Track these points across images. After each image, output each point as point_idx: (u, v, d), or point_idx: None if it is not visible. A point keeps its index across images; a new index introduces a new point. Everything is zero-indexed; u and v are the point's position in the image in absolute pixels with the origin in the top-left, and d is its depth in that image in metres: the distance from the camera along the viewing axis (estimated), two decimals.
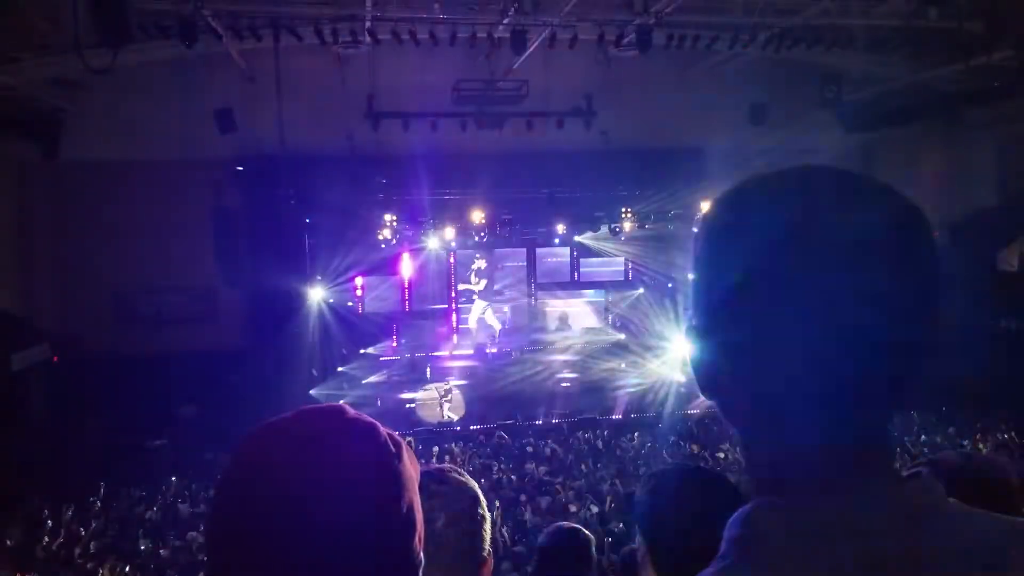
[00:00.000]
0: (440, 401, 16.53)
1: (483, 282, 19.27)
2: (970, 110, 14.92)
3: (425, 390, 16.98)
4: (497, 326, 19.15)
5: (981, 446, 12.43)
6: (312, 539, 0.87)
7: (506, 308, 19.52)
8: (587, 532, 2.92)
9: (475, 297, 19.25)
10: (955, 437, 13.30)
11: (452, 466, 1.85)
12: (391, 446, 0.96)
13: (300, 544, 0.86)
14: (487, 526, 1.73)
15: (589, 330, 19.73)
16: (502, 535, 8.94)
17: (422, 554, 0.97)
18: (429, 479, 1.68)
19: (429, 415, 16.47)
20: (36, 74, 12.30)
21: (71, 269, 15.47)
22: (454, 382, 17.12)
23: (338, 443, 0.93)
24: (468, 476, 1.77)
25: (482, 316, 19.15)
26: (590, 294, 20.13)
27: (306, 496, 0.88)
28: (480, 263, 19.23)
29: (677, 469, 1.93)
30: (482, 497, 1.74)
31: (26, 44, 11.33)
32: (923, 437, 13.41)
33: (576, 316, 19.92)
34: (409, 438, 14.12)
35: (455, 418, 16.39)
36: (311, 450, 0.91)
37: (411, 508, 0.96)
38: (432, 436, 14.90)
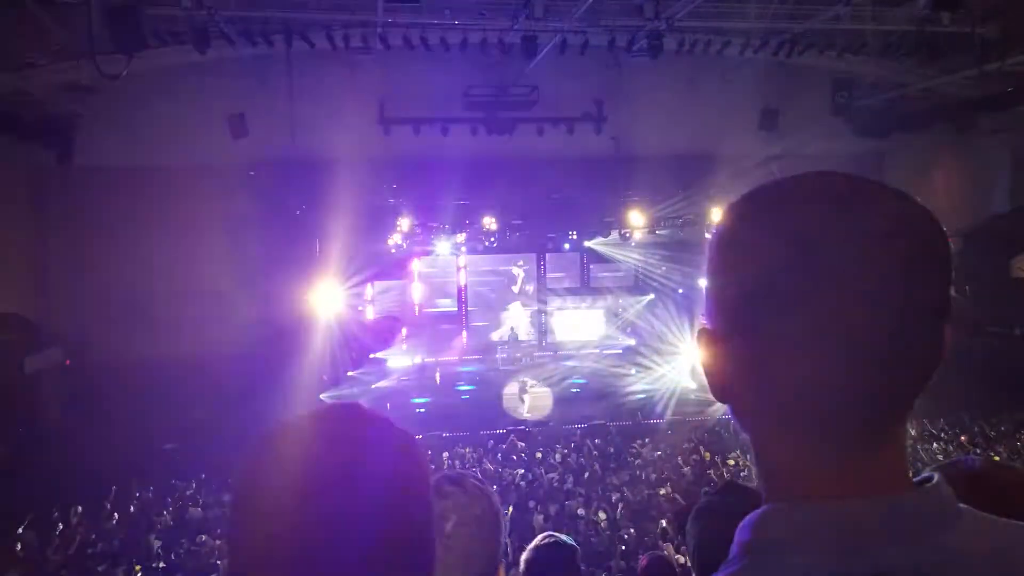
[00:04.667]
0: (519, 396, 16.65)
1: (521, 283, 19.34)
2: (984, 116, 14.83)
3: (509, 387, 17.17)
4: (526, 336, 19.21)
5: (994, 453, 12.32)
6: (334, 531, 0.87)
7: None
8: (571, 542, 2.88)
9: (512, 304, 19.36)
10: (970, 444, 13.20)
11: (473, 473, 1.84)
12: (406, 440, 0.98)
13: (322, 537, 0.87)
14: (503, 536, 1.70)
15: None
16: (509, 540, 8.92)
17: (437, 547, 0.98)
18: (446, 480, 1.67)
19: (513, 411, 16.63)
20: (50, 80, 12.42)
21: (84, 273, 15.57)
22: (532, 381, 17.21)
23: (357, 437, 0.95)
24: (488, 485, 1.75)
25: (514, 323, 19.25)
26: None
27: (328, 490, 0.89)
28: (519, 270, 19.25)
29: (725, 500, 1.86)
30: (499, 507, 1.71)
31: (41, 50, 11.44)
32: (937, 444, 13.31)
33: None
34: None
35: (535, 417, 16.50)
36: (330, 446, 0.93)
37: (429, 500, 0.97)
38: (442, 441, 14.88)
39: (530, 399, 16.65)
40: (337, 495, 0.88)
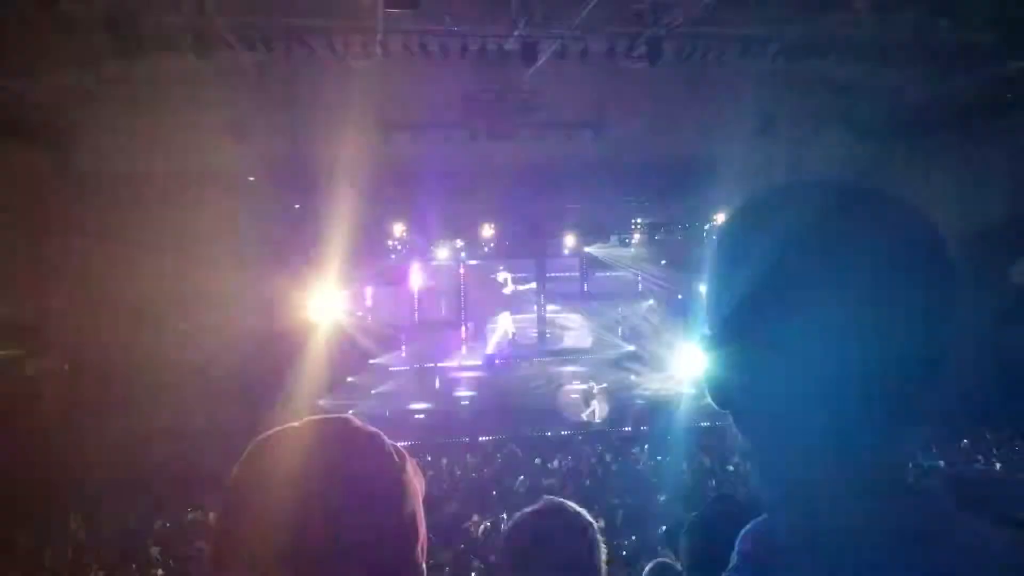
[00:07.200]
0: (587, 400, 16.83)
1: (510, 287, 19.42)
2: (983, 121, 14.85)
3: (571, 389, 17.34)
4: (511, 331, 19.39)
5: (995, 459, 12.31)
6: (316, 543, 0.88)
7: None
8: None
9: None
10: (969, 451, 13.18)
11: (563, 500, 1.89)
12: (395, 457, 0.98)
13: (303, 547, 0.88)
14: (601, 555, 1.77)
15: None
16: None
17: (423, 565, 0.99)
18: (539, 517, 1.71)
19: (575, 415, 16.82)
20: (51, 85, 12.44)
21: (85, 278, 15.56)
22: (597, 386, 17.35)
23: (343, 452, 0.96)
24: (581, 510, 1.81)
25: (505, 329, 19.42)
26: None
27: (311, 502, 0.90)
28: (505, 275, 19.30)
29: (717, 511, 1.87)
30: (595, 528, 1.77)
31: (42, 56, 11.47)
32: (936, 451, 13.28)
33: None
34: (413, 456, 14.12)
35: (599, 419, 16.61)
36: (317, 458, 0.94)
37: (413, 516, 0.97)
38: (441, 447, 14.87)
39: (597, 404, 16.86)
40: (321, 502, 0.90)
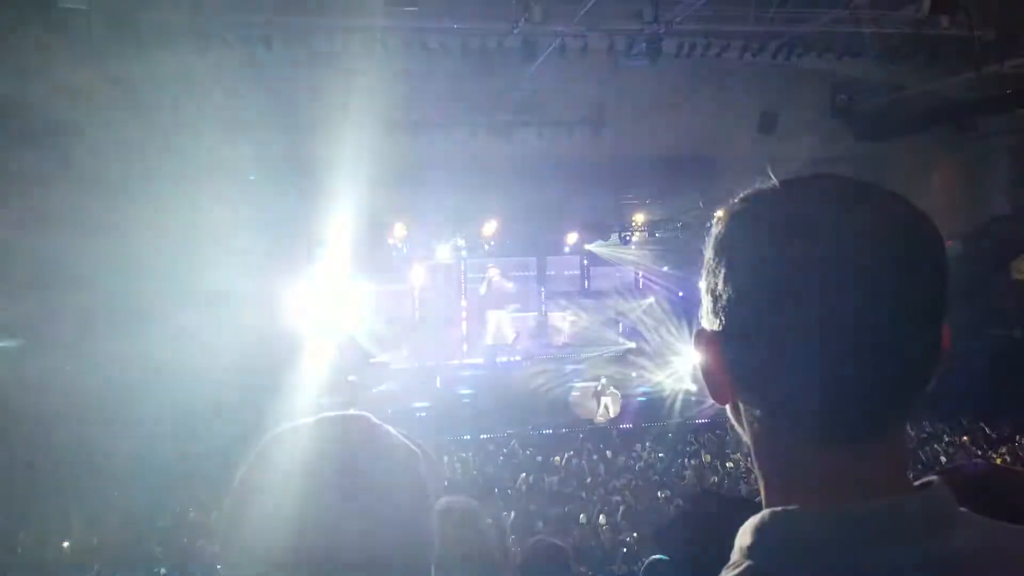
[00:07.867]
0: (597, 397, 16.80)
1: (487, 285, 19.38)
2: (983, 118, 14.84)
3: (581, 386, 17.25)
4: (511, 334, 19.32)
5: (995, 455, 12.31)
6: (324, 545, 0.87)
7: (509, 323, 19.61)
8: (562, 544, 2.92)
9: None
10: (970, 447, 13.19)
11: (455, 498, 1.88)
12: (411, 457, 0.97)
13: (311, 549, 0.87)
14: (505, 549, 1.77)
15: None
16: (516, 546, 8.90)
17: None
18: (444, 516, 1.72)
19: (585, 412, 16.69)
20: (51, 85, 12.42)
21: (84, 278, 15.53)
22: (608, 383, 17.33)
23: (357, 452, 0.94)
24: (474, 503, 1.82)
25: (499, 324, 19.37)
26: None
27: (321, 503, 0.89)
28: (493, 272, 19.29)
29: (702, 508, 1.84)
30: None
31: (42, 56, 11.45)
32: (937, 447, 13.30)
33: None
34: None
35: (611, 416, 16.60)
36: (330, 457, 0.93)
37: (425, 521, 0.97)
38: (442, 445, 14.88)
39: (607, 401, 16.86)
40: (331, 500, 0.89)
